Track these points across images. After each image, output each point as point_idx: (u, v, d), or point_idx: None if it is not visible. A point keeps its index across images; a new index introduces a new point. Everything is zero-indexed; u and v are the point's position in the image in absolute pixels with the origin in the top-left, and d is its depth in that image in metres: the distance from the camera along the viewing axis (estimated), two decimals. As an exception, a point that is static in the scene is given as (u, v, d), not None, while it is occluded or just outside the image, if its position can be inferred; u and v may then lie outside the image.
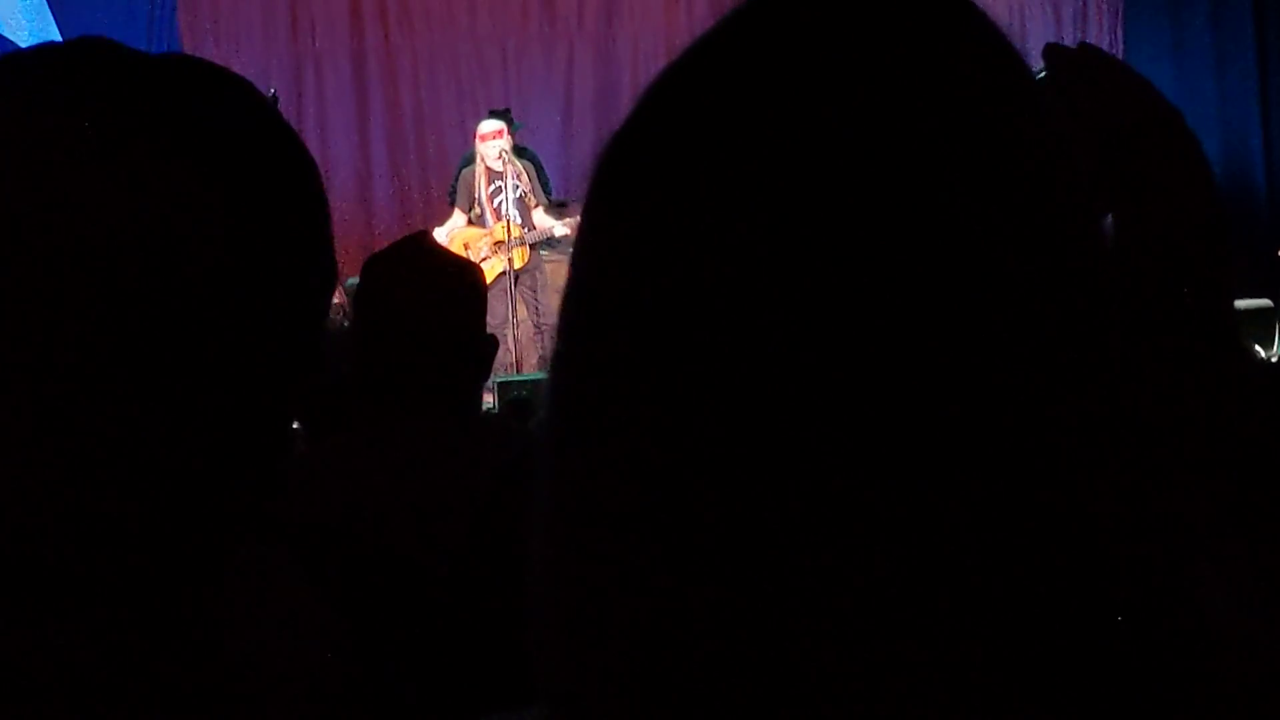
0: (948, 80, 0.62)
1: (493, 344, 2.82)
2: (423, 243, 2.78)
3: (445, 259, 2.81)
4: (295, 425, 1.06)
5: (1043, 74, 0.94)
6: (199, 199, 0.89)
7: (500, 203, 10.97)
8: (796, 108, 0.61)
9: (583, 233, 0.71)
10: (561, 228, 11.19)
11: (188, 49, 13.59)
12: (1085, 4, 14.45)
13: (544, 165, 11.89)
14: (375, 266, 2.75)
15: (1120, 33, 14.31)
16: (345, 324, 2.74)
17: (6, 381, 0.86)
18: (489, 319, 10.27)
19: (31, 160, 0.87)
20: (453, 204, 11.47)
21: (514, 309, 10.86)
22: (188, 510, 0.91)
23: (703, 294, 0.59)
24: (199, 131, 0.90)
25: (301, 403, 0.96)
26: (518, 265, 10.88)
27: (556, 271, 12.00)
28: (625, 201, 0.67)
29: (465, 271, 2.84)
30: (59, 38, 12.27)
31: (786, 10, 0.64)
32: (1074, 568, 0.59)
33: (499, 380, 10.49)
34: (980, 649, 0.58)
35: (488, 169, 11.03)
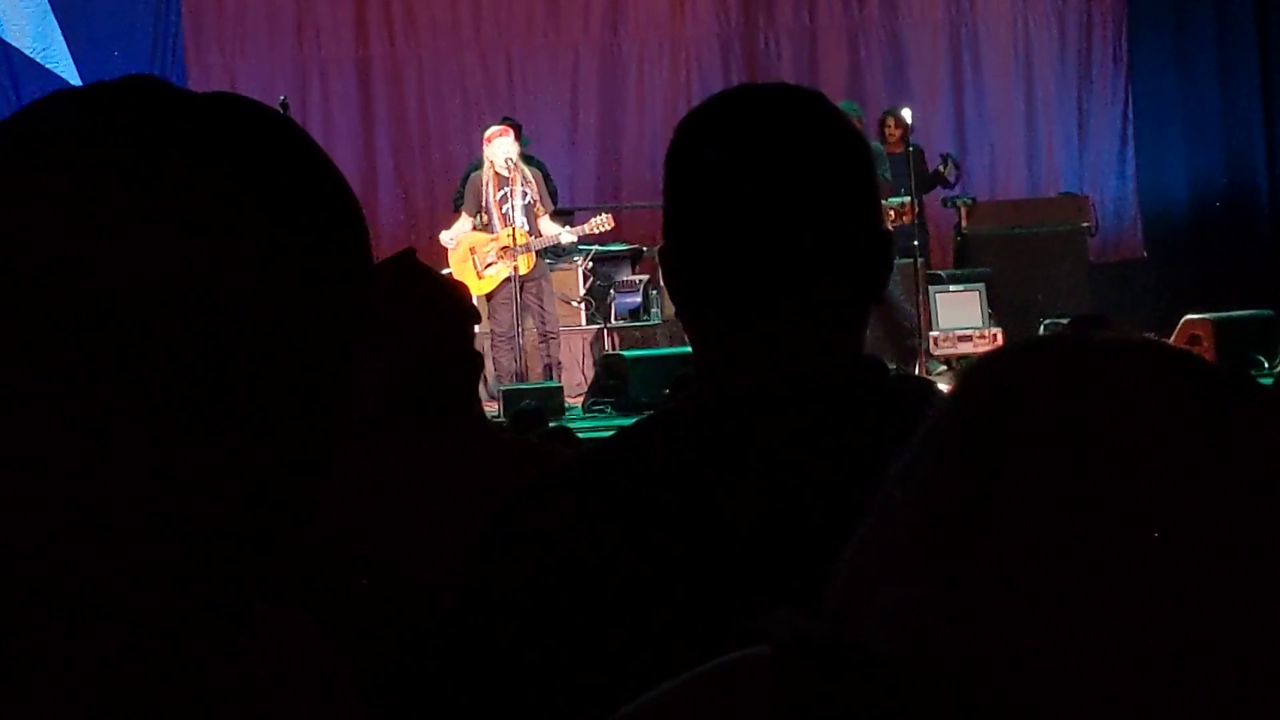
0: None
1: (479, 360, 2.84)
2: (409, 261, 2.80)
3: (432, 277, 2.83)
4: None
5: None
6: (246, 239, 0.89)
7: (508, 209, 10.97)
8: None
9: None
10: (569, 234, 11.19)
11: (192, 57, 13.61)
12: (1089, 17, 14.45)
13: (550, 174, 11.91)
14: None
15: (1124, 44, 14.32)
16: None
17: (50, 411, 0.87)
18: (495, 327, 10.33)
19: (81, 200, 0.87)
20: (458, 209, 11.46)
21: (520, 317, 10.87)
22: (226, 538, 0.92)
23: None
24: (245, 172, 0.91)
25: (341, 431, 0.96)
26: (523, 271, 10.88)
27: (562, 280, 12.01)
28: None
29: (452, 288, 2.87)
30: (63, 45, 12.21)
31: None
32: None
33: (504, 389, 10.49)
34: None
35: (496, 175, 11.02)
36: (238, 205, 0.90)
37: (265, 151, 0.93)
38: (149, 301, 0.87)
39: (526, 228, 10.93)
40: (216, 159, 0.91)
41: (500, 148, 10.99)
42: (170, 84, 0.95)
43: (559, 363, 11.35)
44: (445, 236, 11.24)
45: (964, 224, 12.67)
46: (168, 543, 0.89)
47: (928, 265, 12.07)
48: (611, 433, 1.72)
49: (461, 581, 1.64)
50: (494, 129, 11.23)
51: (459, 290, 2.92)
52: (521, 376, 10.97)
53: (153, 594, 0.90)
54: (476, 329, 2.89)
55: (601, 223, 11.24)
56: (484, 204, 11.05)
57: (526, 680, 1.49)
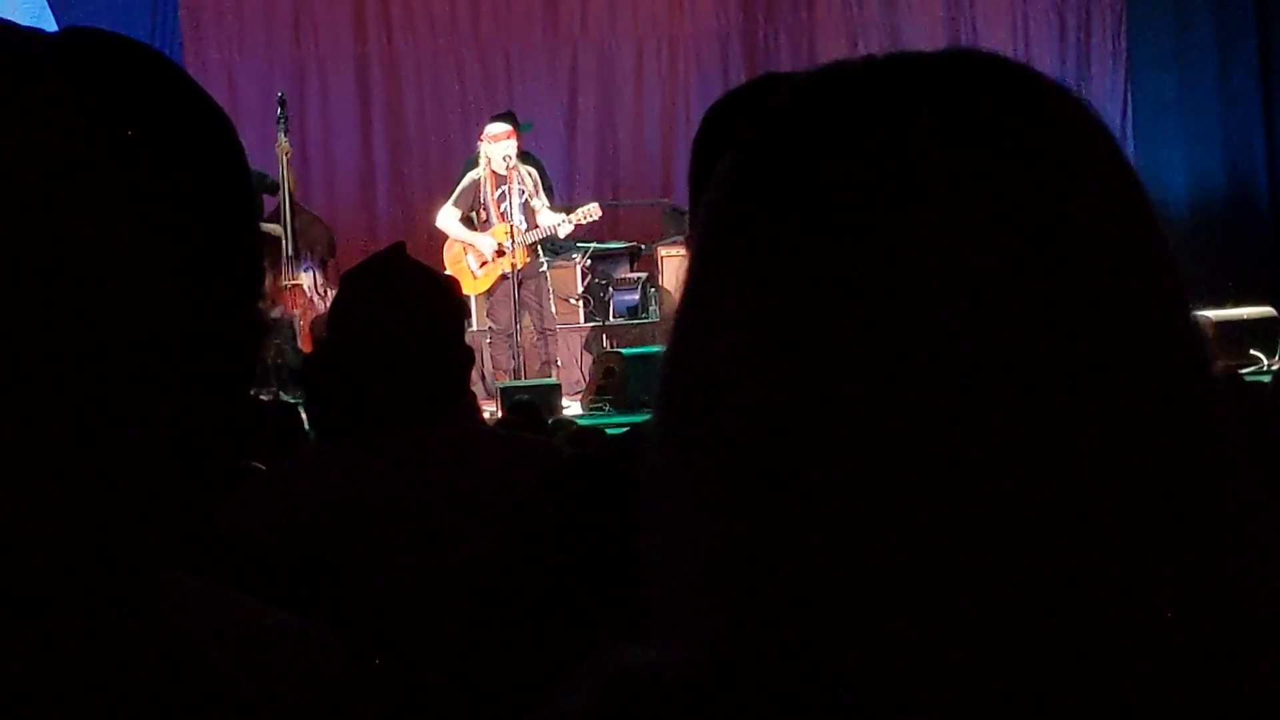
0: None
1: (469, 355, 2.84)
2: (398, 255, 2.80)
3: (422, 271, 2.83)
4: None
5: None
6: (105, 178, 0.86)
7: (506, 208, 10.96)
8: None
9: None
10: (566, 225, 11.17)
11: (190, 54, 13.58)
12: (1088, 13, 14.44)
13: (547, 170, 11.89)
14: (353, 280, 2.76)
15: (1124, 40, 14.31)
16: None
17: None
18: (493, 324, 10.31)
19: None
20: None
21: (517, 314, 10.85)
22: (148, 511, 0.89)
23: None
24: (100, 107, 0.88)
25: (248, 393, 0.93)
26: (518, 265, 10.86)
27: (560, 278, 11.99)
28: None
29: (442, 282, 2.87)
30: (62, 42, 12.38)
31: None
32: None
33: (502, 386, 10.48)
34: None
35: (493, 173, 11.01)
36: (96, 141, 0.87)
37: (122, 81, 0.90)
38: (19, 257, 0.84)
39: (524, 226, 10.92)
40: (71, 96, 0.88)
41: (501, 148, 10.98)
42: (13, 25, 0.92)
43: (557, 360, 11.34)
44: (444, 215, 11.15)
45: (963, 221, 12.65)
46: (67, 514, 0.87)
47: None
48: (612, 431, 1.71)
49: (503, 552, 1.63)
50: (496, 129, 11.20)
51: (449, 284, 2.92)
52: (519, 374, 10.96)
53: (52, 568, 0.88)
54: (475, 326, 2.89)
55: (589, 211, 11.21)
56: (482, 202, 11.04)
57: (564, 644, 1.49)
